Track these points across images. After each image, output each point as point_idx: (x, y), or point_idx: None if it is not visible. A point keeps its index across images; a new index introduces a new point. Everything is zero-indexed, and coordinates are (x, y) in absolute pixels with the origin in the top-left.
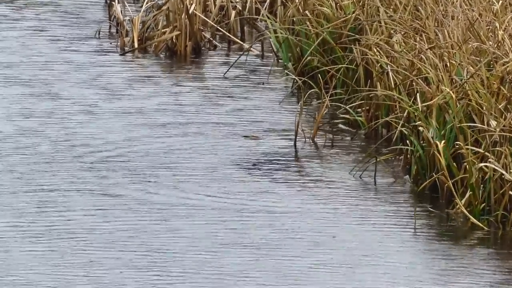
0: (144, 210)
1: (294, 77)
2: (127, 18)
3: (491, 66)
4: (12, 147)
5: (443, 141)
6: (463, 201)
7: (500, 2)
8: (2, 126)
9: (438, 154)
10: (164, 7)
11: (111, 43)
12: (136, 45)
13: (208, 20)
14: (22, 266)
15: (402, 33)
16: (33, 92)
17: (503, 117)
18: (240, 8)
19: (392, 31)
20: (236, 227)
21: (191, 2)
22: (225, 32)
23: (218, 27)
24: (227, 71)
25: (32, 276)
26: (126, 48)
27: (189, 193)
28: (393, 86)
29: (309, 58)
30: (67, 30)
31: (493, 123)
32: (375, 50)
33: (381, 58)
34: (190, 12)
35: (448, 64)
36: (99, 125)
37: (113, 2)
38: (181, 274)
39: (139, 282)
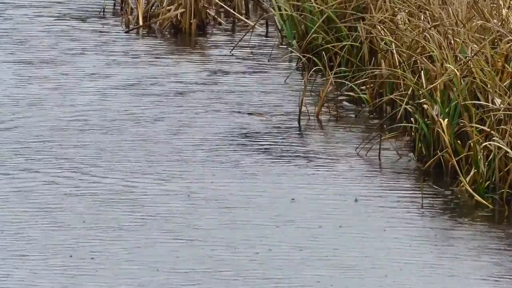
0: (154, 178)
1: (298, 54)
2: None
3: (496, 44)
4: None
5: (446, 119)
6: (467, 178)
7: None
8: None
9: (442, 132)
10: None
11: (116, 21)
12: (141, 22)
13: None
14: None
15: (406, 11)
16: (38, 71)
17: (508, 95)
18: None
19: (396, 9)
20: (237, 206)
21: None
22: (230, 9)
23: (223, 5)
24: (233, 49)
25: None
26: (131, 26)
27: (188, 168)
28: (397, 64)
29: (313, 35)
30: (71, 8)
31: (498, 101)
32: (380, 28)
33: (385, 36)
34: None
35: (452, 42)
36: (105, 97)
37: None
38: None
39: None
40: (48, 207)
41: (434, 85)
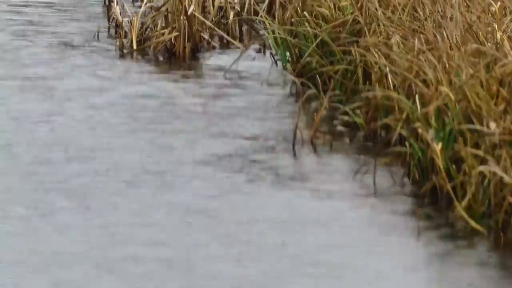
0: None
1: (292, 78)
2: (126, 19)
3: (490, 68)
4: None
5: (440, 144)
6: (462, 204)
7: (499, 3)
8: None
9: (437, 156)
10: (163, 8)
11: (109, 44)
12: (134, 46)
13: (206, 22)
14: None
15: (401, 34)
16: (29, 91)
17: (503, 119)
18: (239, 9)
19: (390, 33)
20: (230, 231)
21: (190, 3)
22: (223, 34)
23: (216, 29)
24: (226, 72)
25: None
26: (125, 50)
27: (180, 192)
28: (392, 87)
29: (307, 59)
30: (65, 30)
31: (493, 125)
32: (374, 52)
33: (379, 59)
34: (189, 13)
35: (447, 65)
36: (97, 121)
37: (112, 3)
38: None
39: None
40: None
41: (428, 109)
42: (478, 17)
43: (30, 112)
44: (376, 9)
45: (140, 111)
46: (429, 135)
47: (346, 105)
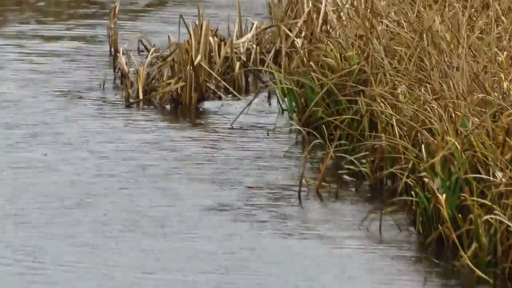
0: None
1: (298, 127)
2: (132, 69)
3: (497, 117)
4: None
5: (446, 193)
6: (469, 253)
7: (505, 53)
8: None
9: (442, 206)
10: (169, 58)
11: (116, 94)
12: (141, 96)
13: (212, 73)
14: None
15: (407, 84)
16: (36, 139)
17: (509, 169)
18: (245, 59)
19: (396, 82)
20: (238, 282)
21: (196, 53)
22: (228, 86)
23: (222, 81)
24: (233, 122)
25: None
26: (131, 100)
27: (184, 238)
28: (398, 137)
29: (313, 108)
30: (71, 79)
31: (499, 174)
32: (380, 101)
33: (385, 109)
34: (195, 63)
35: (453, 115)
36: (103, 169)
37: (118, 54)
38: None
39: None
40: None
41: (434, 159)
42: (485, 67)
43: (36, 159)
44: (382, 59)
45: (146, 159)
46: (435, 184)
47: (352, 155)
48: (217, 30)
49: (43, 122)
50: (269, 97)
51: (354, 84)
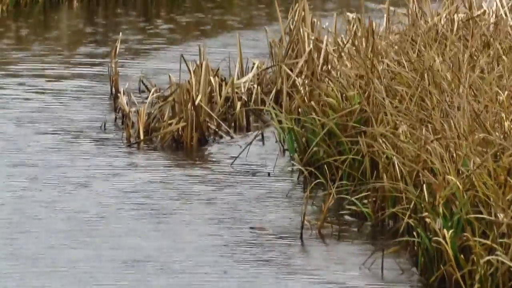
0: None
1: (300, 167)
2: (133, 109)
3: (498, 157)
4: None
5: (450, 231)
6: None
7: (506, 92)
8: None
9: (445, 246)
10: (170, 98)
11: (117, 135)
12: (142, 136)
13: (212, 114)
14: None
15: (408, 124)
16: (37, 178)
17: (511, 209)
18: (246, 99)
19: (398, 122)
20: None
21: (197, 93)
22: (229, 127)
23: (221, 122)
24: (233, 162)
25: None
26: (132, 140)
27: (184, 277)
28: (399, 177)
29: (315, 148)
30: (72, 119)
31: (501, 214)
32: (381, 141)
33: (387, 149)
34: (196, 103)
35: (454, 155)
36: (104, 208)
37: (119, 94)
38: None
39: None
40: None
41: (436, 199)
42: (486, 107)
43: (38, 199)
44: (384, 99)
45: (146, 198)
46: (437, 224)
47: (353, 195)
48: (218, 70)
49: (44, 160)
50: (270, 137)
51: (355, 125)
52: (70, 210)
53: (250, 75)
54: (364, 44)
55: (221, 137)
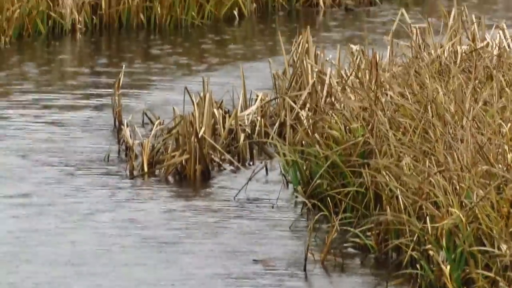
0: None
1: (303, 199)
2: (137, 141)
3: (501, 189)
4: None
5: (449, 265)
6: None
7: (509, 125)
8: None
9: (447, 279)
10: (174, 131)
11: (120, 167)
12: (145, 169)
13: (216, 146)
14: None
15: (412, 156)
16: (40, 210)
17: None
18: (249, 132)
19: (401, 154)
20: None
21: (201, 125)
22: (233, 159)
23: (225, 153)
24: (237, 194)
25: None
26: (135, 172)
27: None
28: (402, 209)
29: (318, 181)
30: (75, 151)
31: (504, 247)
32: (385, 173)
33: (390, 181)
34: (199, 136)
35: (457, 187)
36: (108, 240)
37: (122, 126)
38: None
39: None
40: None
41: (439, 231)
42: (489, 139)
43: (41, 230)
44: (387, 131)
45: (150, 229)
46: (440, 257)
47: (357, 227)
48: (221, 102)
49: (48, 192)
50: (273, 169)
51: (358, 157)
52: (73, 241)
53: (254, 107)
54: (367, 76)
55: (224, 169)
